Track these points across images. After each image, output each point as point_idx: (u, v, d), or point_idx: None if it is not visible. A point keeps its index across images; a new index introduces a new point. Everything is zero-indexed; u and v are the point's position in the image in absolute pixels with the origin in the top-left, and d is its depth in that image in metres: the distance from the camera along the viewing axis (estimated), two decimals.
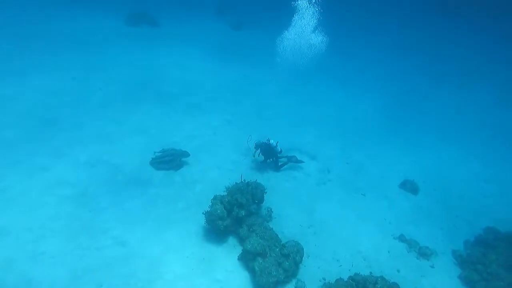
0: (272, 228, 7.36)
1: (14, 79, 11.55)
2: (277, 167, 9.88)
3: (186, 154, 9.34)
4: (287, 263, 6.68)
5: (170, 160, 9.08)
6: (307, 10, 13.90)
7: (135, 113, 11.29)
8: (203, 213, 7.24)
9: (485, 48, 23.28)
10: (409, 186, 9.85)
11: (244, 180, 7.92)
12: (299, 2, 13.63)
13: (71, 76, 12.51)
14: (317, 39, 15.75)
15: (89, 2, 20.90)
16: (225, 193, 7.60)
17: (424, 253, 7.80)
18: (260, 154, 9.70)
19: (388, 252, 7.85)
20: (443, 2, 28.18)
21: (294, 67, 17.13)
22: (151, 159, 9.21)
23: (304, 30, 14.95)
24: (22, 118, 9.87)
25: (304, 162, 10.23)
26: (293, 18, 14.13)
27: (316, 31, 15.27)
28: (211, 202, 7.32)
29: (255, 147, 9.68)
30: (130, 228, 7.22)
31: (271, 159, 9.81)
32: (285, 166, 10.00)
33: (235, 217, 7.29)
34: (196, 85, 14.02)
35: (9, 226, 6.76)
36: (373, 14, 27.28)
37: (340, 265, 7.27)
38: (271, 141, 9.54)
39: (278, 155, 9.77)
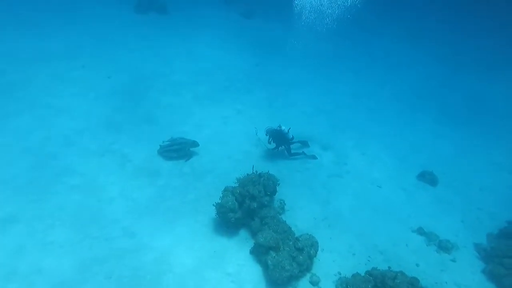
0: (285, 221, 7.10)
1: (23, 67, 11.42)
2: (289, 154, 9.57)
3: (195, 144, 9.08)
4: (301, 257, 6.43)
5: (178, 149, 8.85)
6: None
7: (144, 102, 11.08)
8: (213, 205, 7.02)
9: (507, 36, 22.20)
10: (428, 177, 9.43)
11: (256, 171, 7.65)
12: None
13: (80, 64, 12.33)
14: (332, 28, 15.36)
15: None
16: (236, 185, 7.36)
17: (444, 247, 7.44)
18: (272, 141, 9.39)
19: (406, 245, 7.52)
20: None
21: (307, 56, 16.74)
22: (159, 147, 9.01)
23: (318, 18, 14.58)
24: (31, 105, 9.77)
25: (317, 158, 9.87)
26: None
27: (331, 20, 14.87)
28: (222, 193, 7.09)
29: (266, 134, 9.36)
30: (139, 219, 7.07)
31: (283, 146, 9.51)
32: (297, 156, 9.69)
33: (247, 209, 7.04)
34: (206, 73, 13.69)
35: (19, 214, 6.72)
36: (387, 3, 26.29)
37: (356, 259, 6.99)
38: (283, 127, 9.21)
39: (290, 141, 9.46)
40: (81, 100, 10.49)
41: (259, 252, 6.50)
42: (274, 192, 7.54)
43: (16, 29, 13.82)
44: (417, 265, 7.07)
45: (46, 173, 7.76)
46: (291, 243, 6.60)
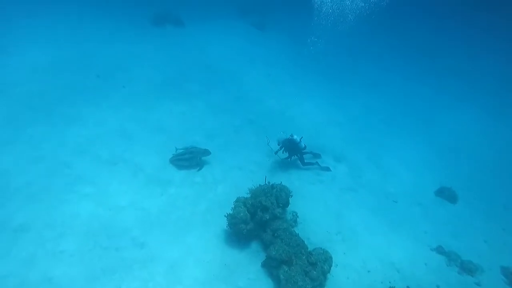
0: (298, 234, 6.87)
1: (39, 77, 11.65)
2: (303, 164, 9.42)
3: (207, 152, 9.03)
4: (314, 272, 6.19)
5: (190, 158, 8.79)
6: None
7: (157, 111, 11.13)
8: (225, 215, 6.87)
9: None
10: (447, 194, 9.10)
11: (269, 182, 7.50)
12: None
13: (95, 74, 12.52)
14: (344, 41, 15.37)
15: (114, 1, 21.21)
16: (249, 195, 7.20)
17: (467, 268, 7.06)
18: (284, 151, 9.27)
19: (425, 264, 7.20)
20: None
21: (319, 68, 16.73)
22: (171, 155, 8.97)
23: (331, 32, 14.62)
24: (47, 114, 9.87)
25: (331, 170, 9.67)
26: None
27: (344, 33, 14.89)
28: (234, 204, 6.95)
29: (278, 144, 9.26)
30: (149, 229, 6.96)
31: (295, 156, 9.37)
32: (310, 166, 9.52)
33: (259, 221, 6.87)
34: (218, 83, 13.75)
35: (31, 222, 6.66)
36: (399, 16, 26.28)
37: (372, 277, 6.70)
38: (295, 137, 9.12)
39: (302, 151, 9.32)
40: (94, 109, 10.58)
41: (271, 266, 6.30)
42: (286, 203, 7.35)
43: (33, 40, 14.17)
44: (438, 286, 6.73)
45: (58, 181, 7.74)
46: (304, 257, 6.38)
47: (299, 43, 18.18)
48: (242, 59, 16.63)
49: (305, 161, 9.48)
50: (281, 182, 7.61)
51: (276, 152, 9.36)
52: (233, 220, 6.73)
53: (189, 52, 16.42)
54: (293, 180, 8.99)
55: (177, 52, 16.16)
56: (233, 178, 8.82)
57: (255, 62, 16.52)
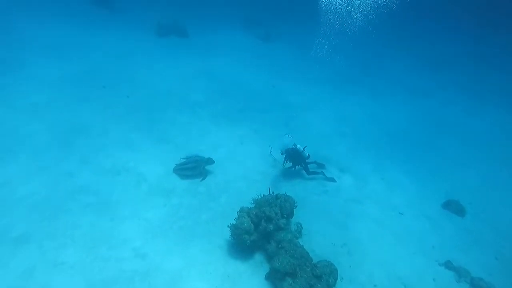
0: (303, 246, 6.71)
1: (46, 89, 11.76)
2: (308, 173, 9.35)
3: (210, 161, 8.96)
4: (319, 285, 6.04)
5: (193, 167, 8.73)
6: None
7: (161, 121, 11.14)
8: (228, 226, 6.76)
9: None
10: (454, 207, 8.89)
11: (273, 192, 7.40)
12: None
13: (101, 85, 12.63)
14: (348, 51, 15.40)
15: (120, 13, 21.64)
16: (252, 206, 7.11)
17: (478, 285, 6.81)
18: (287, 160, 9.22)
19: (434, 280, 6.98)
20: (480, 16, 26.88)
21: (323, 78, 16.78)
22: (174, 165, 8.91)
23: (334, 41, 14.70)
24: (52, 124, 9.90)
25: (336, 182, 9.55)
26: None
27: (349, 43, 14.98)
28: (237, 214, 6.83)
29: (281, 153, 9.21)
30: (151, 240, 6.85)
31: (299, 165, 9.30)
32: (315, 176, 9.45)
33: (263, 231, 6.74)
34: (223, 93, 13.81)
35: (31, 232, 6.58)
36: (405, 26, 26.48)
37: None
38: (298, 146, 9.06)
39: (306, 160, 9.26)
40: (98, 119, 10.61)
41: (275, 278, 6.14)
42: (291, 214, 7.23)
43: (41, 53, 14.36)
44: None
45: (60, 191, 7.69)
46: (308, 269, 6.22)
47: (304, 51, 18.44)
48: (247, 70, 16.75)
49: (310, 170, 9.39)
50: (285, 192, 7.50)
51: (283, 163, 9.28)
52: (236, 231, 6.61)
53: (194, 62, 16.59)
54: (297, 190, 8.87)
55: (182, 62, 16.34)
56: (237, 188, 8.73)
57: (260, 73, 16.63)
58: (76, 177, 8.18)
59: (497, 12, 26.91)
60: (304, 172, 9.42)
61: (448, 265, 7.29)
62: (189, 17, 22.22)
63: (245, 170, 9.43)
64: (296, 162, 9.27)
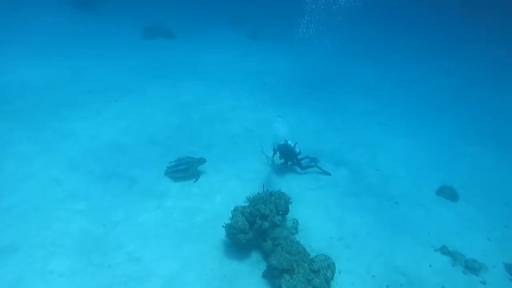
0: (299, 241, 6.63)
1: (30, 94, 11.50)
2: (301, 168, 9.32)
3: (202, 160, 8.82)
4: (317, 280, 5.96)
5: (185, 169, 8.59)
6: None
7: (151, 123, 10.98)
8: (223, 226, 6.66)
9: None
10: (448, 193, 8.94)
11: (267, 190, 7.32)
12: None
13: (86, 89, 12.39)
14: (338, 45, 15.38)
15: (103, 17, 21.33)
16: (247, 204, 7.01)
17: (472, 267, 6.88)
18: (279, 157, 9.20)
19: (430, 266, 6.98)
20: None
21: (314, 74, 16.78)
22: (166, 168, 8.78)
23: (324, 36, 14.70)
24: (36, 130, 9.69)
25: (330, 174, 9.52)
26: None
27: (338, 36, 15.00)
28: (232, 214, 6.74)
29: (273, 150, 9.19)
30: (145, 244, 6.71)
31: (291, 161, 9.26)
32: (309, 170, 9.44)
33: (258, 229, 6.65)
34: (213, 93, 13.68)
35: (20, 242, 6.39)
36: (393, 20, 26.75)
37: (377, 282, 6.48)
38: (289, 142, 9.01)
39: (298, 156, 9.22)
40: (86, 124, 10.41)
41: (272, 276, 6.06)
42: (286, 211, 7.15)
43: (24, 58, 14.09)
44: (443, 287, 6.52)
45: (49, 198, 7.51)
46: (306, 265, 6.15)
47: (292, 48, 18.48)
48: (236, 68, 16.64)
49: (303, 165, 9.36)
50: (279, 189, 7.44)
51: (272, 158, 9.27)
52: (231, 230, 6.51)
53: (182, 63, 16.43)
54: (292, 186, 8.81)
55: (170, 63, 16.15)
56: (231, 187, 8.63)
57: (249, 71, 16.53)
58: (65, 184, 7.99)
59: None
60: (297, 167, 9.37)
61: (443, 250, 7.33)
62: (175, 18, 22.10)
63: (238, 169, 9.33)
64: (288, 158, 9.22)
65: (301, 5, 13.83)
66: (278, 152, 9.18)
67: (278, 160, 9.36)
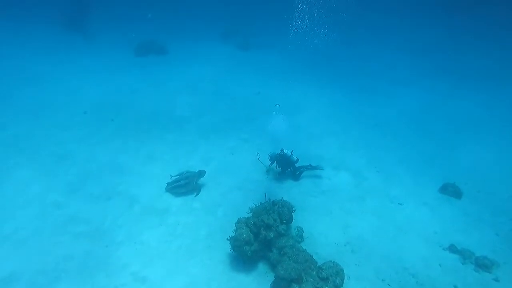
0: (306, 249, 6.54)
1: (25, 119, 11.47)
2: (296, 177, 9.34)
3: (202, 173, 8.76)
4: (326, 287, 5.87)
5: (185, 184, 8.52)
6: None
7: (148, 140, 10.92)
8: (227, 239, 6.58)
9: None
10: (451, 190, 8.89)
11: (269, 199, 7.26)
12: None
13: (82, 110, 12.38)
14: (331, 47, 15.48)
15: (94, 38, 21.47)
16: (250, 215, 6.94)
17: (483, 264, 6.78)
18: (277, 166, 9.27)
19: (440, 265, 6.90)
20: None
21: (307, 80, 16.86)
22: (166, 184, 8.71)
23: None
24: (33, 155, 9.62)
25: (324, 169, 9.58)
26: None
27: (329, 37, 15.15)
28: (235, 226, 6.67)
29: (270, 160, 9.25)
30: (149, 262, 6.61)
31: (289, 169, 9.29)
32: (305, 174, 9.47)
33: (263, 240, 6.56)
34: (207, 106, 13.69)
35: (21, 270, 6.27)
36: (385, 17, 27.12)
37: (388, 285, 6.38)
38: (285, 151, 9.04)
39: (296, 164, 9.23)
40: (84, 145, 10.35)
41: (281, 286, 5.96)
42: (290, 219, 7.08)
43: (17, 81, 14.09)
44: (455, 287, 6.43)
45: (49, 223, 7.40)
46: (314, 273, 6.08)
47: (284, 57, 18.64)
48: (230, 79, 16.70)
49: (297, 173, 9.40)
50: (282, 198, 7.38)
51: (268, 168, 9.36)
52: (236, 243, 6.43)
53: (175, 78, 16.48)
54: (294, 194, 8.75)
55: (163, 79, 16.21)
56: (233, 199, 8.55)
57: (243, 82, 16.57)
58: (64, 207, 7.90)
59: None
60: (297, 175, 9.37)
61: (452, 248, 7.24)
62: (167, 34, 22.28)
63: (238, 180, 9.27)
64: (286, 166, 9.25)
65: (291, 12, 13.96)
66: (274, 161, 9.25)
67: (273, 167, 9.43)
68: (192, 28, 25.59)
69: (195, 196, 8.57)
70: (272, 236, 6.58)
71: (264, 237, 6.55)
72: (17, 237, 6.96)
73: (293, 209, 7.21)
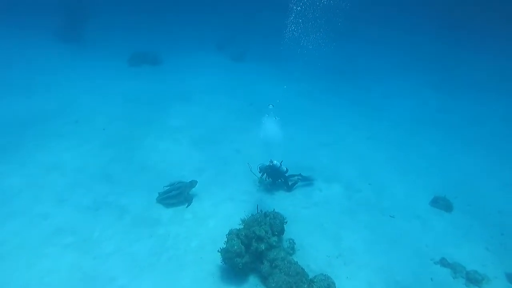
0: (297, 262, 6.49)
1: (14, 129, 11.26)
2: (288, 188, 9.36)
3: (193, 183, 8.70)
4: None
5: (177, 194, 8.43)
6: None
7: (140, 150, 10.84)
8: (218, 250, 6.48)
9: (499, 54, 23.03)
10: (442, 203, 8.97)
11: (261, 211, 7.21)
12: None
13: (73, 119, 12.26)
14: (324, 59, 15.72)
15: (89, 48, 21.46)
16: (241, 226, 6.87)
17: (473, 279, 6.79)
18: (267, 177, 9.30)
19: (431, 280, 6.89)
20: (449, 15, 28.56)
21: (299, 92, 17.05)
22: (157, 194, 8.60)
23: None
24: (21, 165, 9.42)
25: (314, 180, 9.67)
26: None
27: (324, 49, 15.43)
28: (227, 237, 6.59)
29: (259, 172, 9.26)
30: (139, 275, 6.45)
31: (280, 180, 9.32)
32: (298, 185, 9.52)
33: (254, 252, 6.48)
34: (201, 116, 13.70)
35: (3, 284, 6.04)
36: (380, 32, 27.74)
37: None
38: (275, 162, 9.11)
39: (286, 174, 9.28)
40: (74, 155, 10.20)
41: None
42: (282, 231, 7.04)
43: (7, 93, 13.91)
44: None
45: (35, 235, 7.17)
46: (305, 286, 6.03)
47: (277, 68, 18.84)
48: (223, 91, 16.78)
49: (290, 183, 9.43)
50: (274, 209, 7.35)
51: (260, 179, 9.37)
52: (227, 255, 6.34)
53: (169, 88, 16.52)
54: (286, 205, 8.71)
55: (156, 89, 16.20)
56: (225, 210, 8.46)
57: (236, 93, 16.67)
58: (52, 218, 7.70)
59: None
60: (285, 188, 9.41)
61: (443, 262, 7.26)
62: (161, 44, 22.39)
63: (231, 191, 9.21)
64: (276, 177, 9.27)
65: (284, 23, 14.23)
66: (264, 172, 9.27)
67: (264, 179, 9.42)
68: (187, 39, 25.82)
69: (187, 207, 8.47)
70: (263, 248, 6.50)
71: (255, 249, 6.47)
72: (2, 249, 6.73)
73: (285, 220, 7.19)
